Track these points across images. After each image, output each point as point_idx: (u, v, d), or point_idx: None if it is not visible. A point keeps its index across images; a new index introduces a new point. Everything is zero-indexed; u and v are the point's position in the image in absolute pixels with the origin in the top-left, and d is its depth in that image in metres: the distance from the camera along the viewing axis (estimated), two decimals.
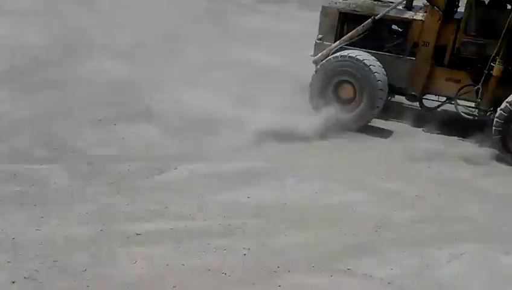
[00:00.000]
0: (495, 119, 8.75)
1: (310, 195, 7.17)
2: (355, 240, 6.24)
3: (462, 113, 9.38)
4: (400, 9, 9.52)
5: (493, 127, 8.78)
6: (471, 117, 9.45)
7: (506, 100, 8.63)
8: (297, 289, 5.34)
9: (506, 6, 9.15)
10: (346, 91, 9.43)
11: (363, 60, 9.22)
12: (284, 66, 10.63)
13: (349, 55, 9.28)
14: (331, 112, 9.19)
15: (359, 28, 9.50)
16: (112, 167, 7.34)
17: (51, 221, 5.96)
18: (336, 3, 9.89)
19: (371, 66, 9.20)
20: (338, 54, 9.42)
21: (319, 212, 6.73)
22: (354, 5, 9.82)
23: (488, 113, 9.24)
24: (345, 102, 9.44)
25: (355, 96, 9.38)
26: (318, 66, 9.53)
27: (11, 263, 5.26)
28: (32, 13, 13.50)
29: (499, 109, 8.71)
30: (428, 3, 9.20)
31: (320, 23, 9.97)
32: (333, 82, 9.43)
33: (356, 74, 9.26)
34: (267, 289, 5.29)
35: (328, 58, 9.45)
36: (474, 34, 9.07)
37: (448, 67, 9.30)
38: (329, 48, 9.71)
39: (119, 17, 13.28)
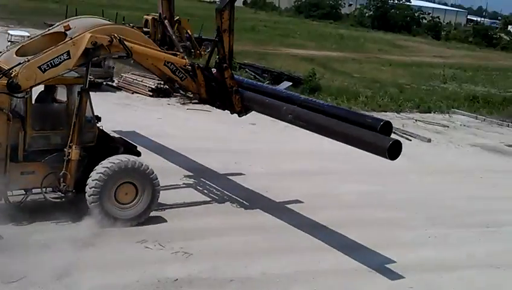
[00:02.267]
0: (90, 189, 9.83)
1: None
2: None
3: (51, 199, 9.98)
4: None
5: (89, 197, 9.86)
6: (57, 200, 10.02)
7: (96, 171, 9.88)
8: None
9: (51, 100, 10.61)
10: None
11: None
12: None
13: None
14: None
15: None
16: None
17: None
18: None
19: None
20: None
21: None
22: None
23: (71, 193, 9.97)
24: None
25: None
26: None
27: None
28: None
29: (91, 180, 9.84)
30: None
31: None
32: None
33: None
34: None
35: None
36: (43, 128, 9.96)
37: (24, 162, 9.73)
38: None
39: None
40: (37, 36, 10.65)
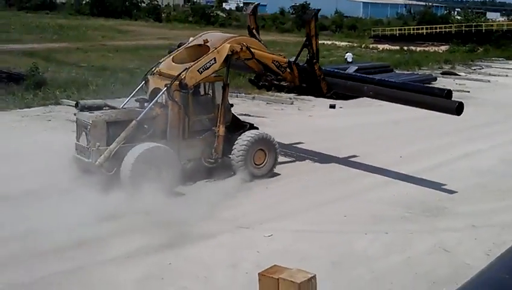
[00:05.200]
0: (238, 156, 13.35)
1: None
2: None
3: (205, 164, 13.26)
4: (140, 110, 12.64)
5: (237, 162, 13.34)
6: (212, 165, 13.30)
7: (241, 142, 13.43)
8: None
9: (206, 93, 13.75)
10: None
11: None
12: None
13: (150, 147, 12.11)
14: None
15: (129, 129, 12.12)
16: None
17: None
18: (100, 115, 12.30)
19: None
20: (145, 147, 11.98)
21: None
22: (114, 115, 12.54)
23: (220, 160, 13.36)
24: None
25: None
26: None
27: None
28: None
29: (237, 149, 13.36)
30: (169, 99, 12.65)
31: (92, 134, 12.03)
32: None
33: None
34: None
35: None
36: (199, 114, 13.24)
37: (188, 139, 13.07)
38: (109, 149, 11.89)
39: None
40: (181, 48, 14.31)
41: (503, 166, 15.72)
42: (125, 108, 13.34)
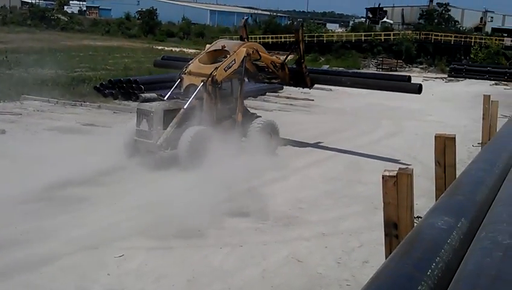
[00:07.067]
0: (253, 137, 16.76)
1: None
2: None
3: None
4: (183, 101, 16.07)
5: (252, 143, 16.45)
6: None
7: (255, 126, 16.94)
8: None
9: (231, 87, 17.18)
10: None
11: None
12: None
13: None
14: None
15: (179, 115, 15.45)
16: None
17: None
18: (159, 105, 15.52)
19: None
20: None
21: None
22: (168, 105, 15.75)
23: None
24: None
25: None
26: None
27: None
28: None
29: (252, 131, 16.80)
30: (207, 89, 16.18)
31: (154, 121, 15.13)
32: None
33: None
34: None
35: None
36: (223, 104, 16.54)
37: (215, 125, 16.01)
38: (166, 132, 15.17)
39: None
40: (202, 52, 17.77)
41: (349, 172, 16.40)
42: (171, 99, 16.28)
